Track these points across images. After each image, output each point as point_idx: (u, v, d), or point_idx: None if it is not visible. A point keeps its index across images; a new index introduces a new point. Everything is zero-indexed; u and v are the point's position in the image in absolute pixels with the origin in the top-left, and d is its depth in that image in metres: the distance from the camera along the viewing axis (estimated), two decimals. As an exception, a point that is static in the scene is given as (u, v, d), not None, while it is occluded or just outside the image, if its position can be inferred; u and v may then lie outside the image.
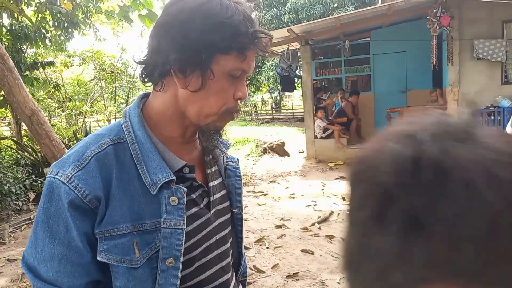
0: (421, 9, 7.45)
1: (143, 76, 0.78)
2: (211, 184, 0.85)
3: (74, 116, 10.26)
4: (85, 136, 7.79)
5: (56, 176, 0.70)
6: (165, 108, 0.78)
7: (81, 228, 0.70)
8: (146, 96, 0.84)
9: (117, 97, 13.34)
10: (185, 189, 0.76)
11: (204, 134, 0.88)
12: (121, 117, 0.81)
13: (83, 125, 9.98)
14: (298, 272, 3.39)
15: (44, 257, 0.70)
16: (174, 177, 0.74)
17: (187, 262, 0.78)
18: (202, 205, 0.82)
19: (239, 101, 0.77)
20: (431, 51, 7.53)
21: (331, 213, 4.98)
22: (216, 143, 0.88)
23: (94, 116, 12.36)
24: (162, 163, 0.74)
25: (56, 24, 6.72)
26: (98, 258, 0.71)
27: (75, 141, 7.86)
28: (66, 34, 7.29)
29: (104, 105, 12.93)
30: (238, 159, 0.97)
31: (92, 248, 0.72)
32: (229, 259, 0.90)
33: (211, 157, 0.89)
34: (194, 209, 0.80)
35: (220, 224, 0.87)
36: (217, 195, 0.87)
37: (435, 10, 7.09)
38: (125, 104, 13.13)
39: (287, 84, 10.19)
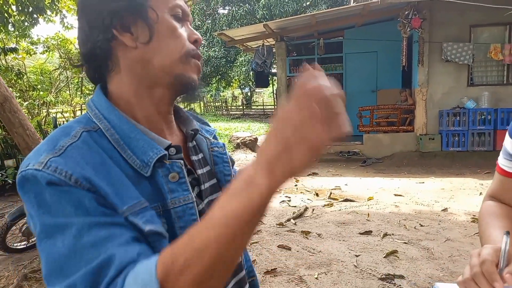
0: (395, 10, 7.64)
1: (89, 69, 0.72)
2: (199, 171, 0.77)
3: (37, 107, 9.75)
4: (54, 128, 7.43)
5: (28, 167, 0.57)
6: (127, 86, 0.70)
7: (92, 201, 0.55)
8: (105, 87, 0.74)
9: (83, 88, 12.80)
10: (182, 161, 0.67)
11: (182, 118, 0.81)
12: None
13: (47, 116, 9.52)
14: (276, 268, 3.37)
15: (77, 251, 0.53)
16: (166, 152, 0.66)
17: None
18: (194, 194, 0.71)
19: (196, 45, 0.74)
20: (401, 52, 7.73)
21: (306, 208, 5.02)
22: (197, 128, 0.82)
23: (58, 107, 11.81)
24: (148, 140, 0.66)
25: (20, 8, 6.33)
26: (147, 229, 0.57)
27: (39, 132, 7.47)
28: (31, 20, 6.87)
29: (70, 95, 12.39)
30: (224, 144, 0.88)
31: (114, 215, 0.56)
32: None
33: (194, 143, 0.81)
34: None
35: None
36: (207, 184, 0.78)
37: (406, 12, 7.28)
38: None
39: (261, 79, 10.17)
